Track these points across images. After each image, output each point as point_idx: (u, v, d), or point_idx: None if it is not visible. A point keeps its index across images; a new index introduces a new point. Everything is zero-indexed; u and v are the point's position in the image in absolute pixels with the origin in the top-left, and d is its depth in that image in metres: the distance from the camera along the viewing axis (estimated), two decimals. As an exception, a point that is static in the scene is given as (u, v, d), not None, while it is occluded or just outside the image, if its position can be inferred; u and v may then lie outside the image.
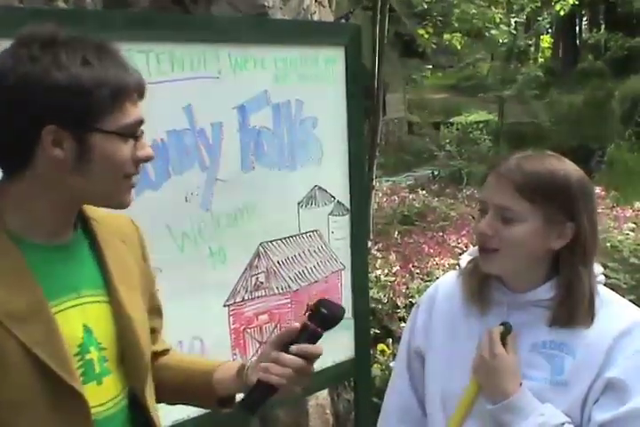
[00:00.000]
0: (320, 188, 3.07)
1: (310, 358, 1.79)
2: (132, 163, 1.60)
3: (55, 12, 2.64)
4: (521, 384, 2.05)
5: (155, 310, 1.97)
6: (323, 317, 1.81)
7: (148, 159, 1.64)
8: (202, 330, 2.71)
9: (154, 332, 1.94)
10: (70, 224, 1.67)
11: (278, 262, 2.93)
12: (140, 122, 1.60)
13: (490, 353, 2.08)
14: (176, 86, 2.53)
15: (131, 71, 1.58)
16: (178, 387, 1.97)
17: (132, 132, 1.57)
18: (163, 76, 2.49)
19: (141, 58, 2.43)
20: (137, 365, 1.75)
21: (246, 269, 2.84)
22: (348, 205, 3.19)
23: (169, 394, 1.98)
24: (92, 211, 1.75)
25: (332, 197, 3.13)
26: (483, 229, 2.07)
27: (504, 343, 2.10)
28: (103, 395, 1.66)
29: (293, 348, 1.78)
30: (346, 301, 3.23)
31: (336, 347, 3.19)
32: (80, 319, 1.63)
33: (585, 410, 2.04)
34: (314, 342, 1.80)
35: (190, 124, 2.59)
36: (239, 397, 1.88)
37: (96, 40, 1.56)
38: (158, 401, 1.97)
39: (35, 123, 1.49)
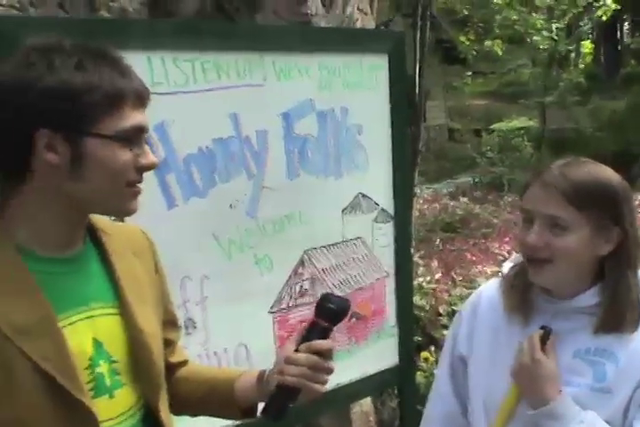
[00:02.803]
0: (364, 195, 3.07)
1: (323, 354, 1.79)
2: (134, 170, 1.58)
3: (102, 22, 2.66)
4: (561, 391, 2.04)
5: (169, 323, 1.95)
6: (330, 312, 1.82)
7: (151, 167, 1.61)
8: (247, 337, 2.72)
9: (170, 344, 1.93)
10: (79, 236, 1.65)
11: (323, 270, 2.94)
12: (140, 128, 1.57)
13: (530, 359, 2.08)
14: (222, 94, 2.55)
15: (129, 77, 1.57)
16: (199, 398, 1.96)
17: (130, 138, 1.55)
18: (209, 84, 2.51)
19: (187, 66, 2.45)
20: (150, 377, 1.74)
21: (291, 276, 2.85)
22: (391, 212, 3.19)
23: (191, 406, 1.98)
24: (103, 223, 1.74)
25: (377, 204, 3.13)
26: (533, 241, 2.05)
27: (544, 349, 2.09)
28: (115, 408, 1.65)
29: (302, 346, 1.78)
30: (390, 308, 3.23)
31: (380, 354, 3.20)
32: (90, 333, 1.61)
33: (627, 418, 2.02)
34: (325, 338, 1.80)
35: (236, 131, 2.61)
36: (261, 405, 1.87)
37: (97, 46, 1.56)
38: (180, 413, 1.98)
39: (28, 127, 1.48)
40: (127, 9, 3.11)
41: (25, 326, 1.49)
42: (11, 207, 1.57)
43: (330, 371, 1.80)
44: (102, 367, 1.62)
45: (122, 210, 1.66)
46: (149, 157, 1.60)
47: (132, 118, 1.55)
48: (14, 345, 1.47)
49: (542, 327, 2.12)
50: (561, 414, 2.02)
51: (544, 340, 2.11)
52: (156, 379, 1.76)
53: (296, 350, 1.79)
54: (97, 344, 1.62)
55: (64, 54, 1.51)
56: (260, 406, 1.89)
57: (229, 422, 2.52)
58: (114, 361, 1.65)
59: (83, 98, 1.48)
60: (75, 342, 1.56)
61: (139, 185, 1.62)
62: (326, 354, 1.79)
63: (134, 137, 1.56)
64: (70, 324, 1.57)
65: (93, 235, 1.71)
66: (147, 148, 1.60)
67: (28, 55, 1.51)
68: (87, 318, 1.61)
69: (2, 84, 1.50)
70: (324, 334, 1.80)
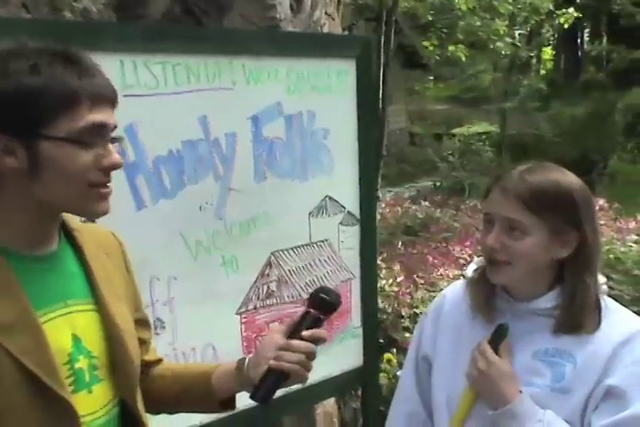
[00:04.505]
0: (331, 198, 3.10)
1: (318, 342, 1.85)
2: (97, 171, 1.57)
3: (70, 24, 2.66)
4: (521, 391, 2.09)
5: (142, 322, 1.97)
6: (324, 302, 1.87)
7: (114, 167, 1.60)
8: (215, 337, 2.73)
9: (144, 343, 1.95)
10: (53, 235, 1.66)
11: (289, 271, 2.96)
12: (97, 128, 1.56)
13: (485, 363, 2.12)
14: (191, 97, 2.57)
15: (88, 77, 1.55)
16: (177, 395, 1.98)
17: (85, 138, 1.54)
18: (179, 87, 2.53)
19: (158, 69, 2.47)
20: (127, 373, 1.75)
21: (258, 277, 2.87)
22: (357, 215, 3.22)
23: (169, 403, 2.00)
24: (76, 223, 1.76)
25: (343, 207, 3.15)
26: (491, 243, 2.10)
27: (497, 349, 2.14)
28: (94, 403, 1.66)
29: (306, 333, 1.84)
30: (355, 309, 3.26)
31: (344, 355, 3.22)
32: (68, 328, 1.62)
33: (585, 417, 2.07)
34: (319, 328, 1.86)
35: (205, 134, 2.62)
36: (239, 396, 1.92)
37: (58, 49, 1.56)
38: (158, 412, 2.00)
39: None
40: (91, 10, 3.10)
41: (4, 321, 1.50)
42: None
43: (314, 358, 1.87)
44: (82, 363, 1.63)
45: (90, 211, 1.66)
46: (112, 157, 1.59)
47: (88, 118, 1.54)
48: None
49: (499, 325, 2.17)
50: (520, 413, 2.06)
51: (500, 338, 2.16)
52: (133, 374, 1.78)
53: (290, 338, 1.84)
54: (76, 340, 1.63)
55: (22, 58, 1.51)
56: (239, 396, 1.94)
57: (202, 417, 2.56)
58: (93, 356, 1.66)
59: (35, 101, 1.49)
60: (53, 337, 1.57)
61: (108, 185, 1.62)
62: (319, 343, 1.85)
63: (91, 137, 1.55)
64: (49, 320, 1.59)
65: (68, 234, 1.72)
66: (110, 147, 1.59)
67: None
68: (65, 314, 1.63)
69: None
70: (318, 324, 1.86)
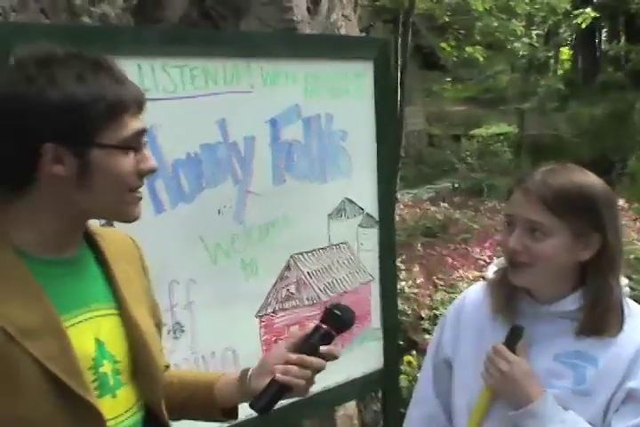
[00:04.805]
0: (349, 200, 3.09)
1: (330, 358, 1.84)
2: (136, 176, 1.61)
3: (87, 29, 2.67)
4: (545, 390, 2.07)
5: (156, 327, 1.95)
6: (336, 319, 1.85)
7: (151, 171, 1.64)
8: (234, 341, 2.73)
9: None
10: (76, 239, 1.68)
11: (308, 274, 2.96)
12: (140, 132, 1.60)
13: (506, 362, 2.11)
14: (210, 100, 2.57)
15: (128, 85, 1.59)
16: (181, 402, 1.97)
17: (132, 145, 1.58)
18: (197, 90, 2.53)
19: (176, 72, 2.47)
20: (151, 376, 1.76)
21: (277, 280, 2.86)
22: (376, 216, 3.21)
23: (174, 410, 1.97)
24: (95, 227, 1.77)
25: (361, 209, 3.15)
26: (513, 245, 2.09)
27: (514, 350, 2.13)
28: (118, 408, 1.67)
29: (324, 348, 1.83)
30: (375, 312, 3.25)
31: (365, 358, 3.22)
32: (92, 333, 1.63)
33: (606, 419, 2.06)
34: (327, 344, 1.84)
35: (223, 137, 2.62)
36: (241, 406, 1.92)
37: (92, 56, 1.58)
38: None
39: (34, 142, 1.50)
40: (109, 15, 3.11)
41: (30, 327, 1.51)
42: (10, 212, 1.58)
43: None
44: (106, 367, 1.64)
45: (127, 216, 1.67)
46: (149, 161, 1.63)
47: (133, 125, 1.57)
48: (20, 346, 1.49)
49: (514, 326, 2.16)
50: (543, 413, 2.05)
51: (516, 339, 2.14)
52: (158, 378, 1.79)
53: (300, 352, 1.83)
54: (99, 344, 1.64)
55: (63, 66, 1.52)
56: (241, 407, 1.94)
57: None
58: (116, 361, 1.67)
59: (87, 110, 1.50)
60: (78, 342, 1.57)
61: (140, 190, 1.64)
62: (331, 359, 1.84)
63: (136, 143, 1.59)
64: (72, 325, 1.59)
65: (88, 238, 1.73)
66: (146, 152, 1.63)
67: (26, 68, 1.52)
68: (88, 318, 1.63)
69: (3, 101, 1.51)
70: (327, 339, 1.84)
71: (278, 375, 1.81)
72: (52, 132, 1.50)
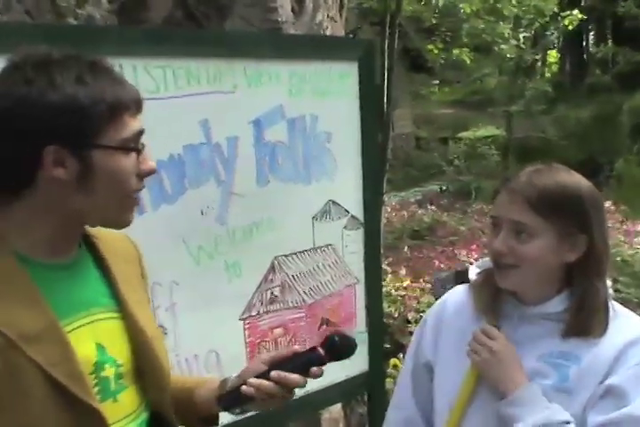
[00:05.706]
0: (334, 202, 3.07)
1: (311, 378, 1.81)
2: (136, 178, 1.60)
3: (72, 29, 2.65)
4: (529, 381, 2.08)
5: None
6: (333, 348, 1.83)
7: (151, 172, 1.64)
8: (218, 343, 2.71)
9: None
10: (75, 242, 1.67)
11: (293, 276, 2.94)
12: (140, 133, 1.60)
13: (498, 343, 2.11)
14: (192, 101, 2.55)
15: (126, 85, 1.59)
16: None
17: (133, 145, 1.58)
18: (179, 90, 2.51)
19: (159, 73, 2.45)
20: (157, 378, 1.75)
21: (261, 282, 2.84)
22: (361, 219, 3.19)
23: None
24: (92, 229, 1.74)
25: (347, 211, 3.14)
26: (498, 247, 2.08)
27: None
28: (119, 412, 1.65)
29: (314, 370, 1.79)
30: (360, 314, 3.24)
31: (350, 361, 3.17)
32: (92, 338, 1.62)
33: (584, 416, 2.05)
34: (315, 365, 1.80)
35: (206, 138, 2.60)
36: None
37: (89, 57, 1.57)
38: None
39: (35, 144, 1.49)
40: (94, 16, 3.09)
41: (31, 332, 1.49)
42: (8, 216, 1.56)
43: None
44: (107, 371, 1.63)
45: (122, 220, 1.66)
46: (149, 163, 1.62)
47: (133, 126, 1.57)
48: (22, 352, 1.47)
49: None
50: (528, 399, 2.04)
51: None
52: (163, 379, 1.78)
53: (285, 367, 1.79)
54: (100, 348, 1.62)
55: (61, 68, 1.51)
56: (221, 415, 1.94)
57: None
58: (119, 365, 1.66)
59: (88, 111, 1.49)
60: (79, 347, 1.56)
61: (138, 194, 1.64)
62: (312, 378, 1.81)
63: (136, 144, 1.59)
64: (73, 329, 1.58)
65: (86, 240, 1.72)
66: (145, 153, 1.62)
67: (25, 70, 1.50)
68: (88, 323, 1.62)
69: (2, 103, 1.49)
70: (319, 364, 1.81)
71: (243, 387, 1.78)
72: (53, 134, 1.49)
